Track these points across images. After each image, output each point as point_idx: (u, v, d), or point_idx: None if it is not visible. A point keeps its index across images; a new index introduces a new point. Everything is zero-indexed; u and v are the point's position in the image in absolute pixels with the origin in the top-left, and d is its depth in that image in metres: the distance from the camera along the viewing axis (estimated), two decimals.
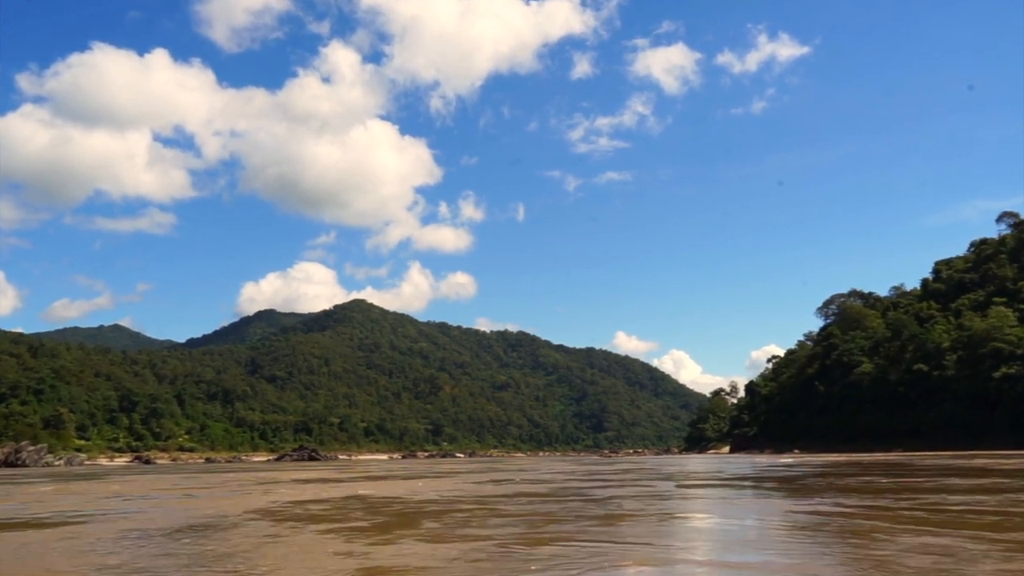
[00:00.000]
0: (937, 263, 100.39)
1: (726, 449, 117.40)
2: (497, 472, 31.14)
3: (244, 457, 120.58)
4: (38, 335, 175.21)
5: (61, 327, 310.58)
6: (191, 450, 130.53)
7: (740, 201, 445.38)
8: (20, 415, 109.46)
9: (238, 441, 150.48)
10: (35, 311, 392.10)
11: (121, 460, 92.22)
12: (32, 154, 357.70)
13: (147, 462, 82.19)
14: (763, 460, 55.16)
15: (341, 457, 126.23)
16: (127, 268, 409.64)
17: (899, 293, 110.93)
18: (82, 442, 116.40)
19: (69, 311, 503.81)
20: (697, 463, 46.92)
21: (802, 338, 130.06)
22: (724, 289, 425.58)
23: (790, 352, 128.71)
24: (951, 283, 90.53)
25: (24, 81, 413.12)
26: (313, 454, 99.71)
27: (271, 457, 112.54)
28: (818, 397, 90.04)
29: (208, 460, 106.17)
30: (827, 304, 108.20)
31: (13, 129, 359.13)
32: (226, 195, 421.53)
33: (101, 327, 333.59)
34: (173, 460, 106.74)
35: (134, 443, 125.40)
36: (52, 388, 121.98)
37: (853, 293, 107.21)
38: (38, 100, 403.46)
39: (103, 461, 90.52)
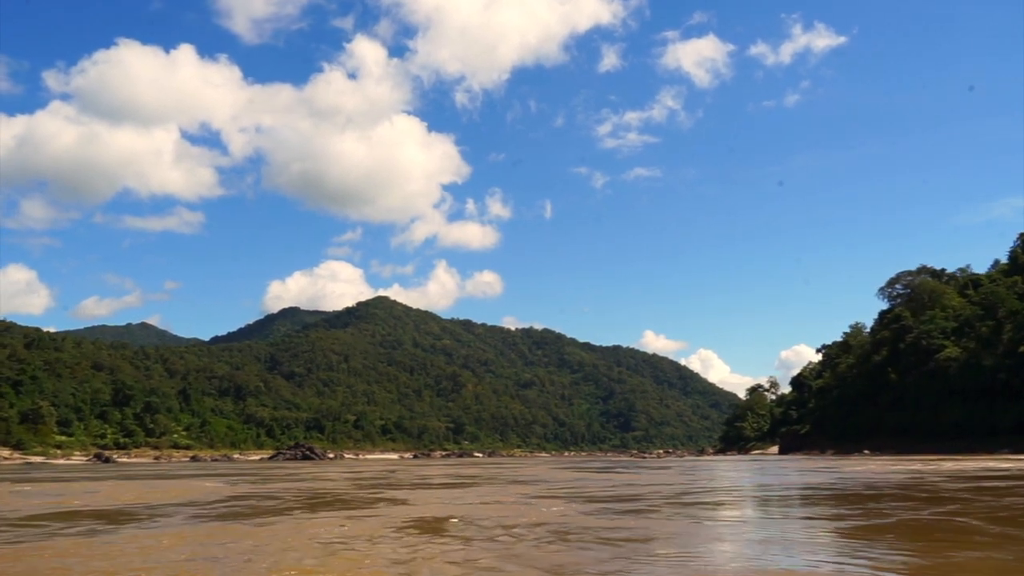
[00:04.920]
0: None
1: (773, 449, 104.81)
2: (479, 487, 19.37)
3: (240, 455, 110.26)
4: (62, 332, 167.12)
5: (90, 325, 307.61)
6: (186, 447, 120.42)
7: (771, 199, 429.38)
8: None
9: (241, 438, 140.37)
10: (65, 309, 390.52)
11: (80, 458, 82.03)
12: (60, 151, 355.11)
13: (106, 460, 71.93)
14: (859, 467, 42.70)
15: (348, 456, 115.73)
16: (155, 266, 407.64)
17: (967, 275, 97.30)
18: (63, 438, 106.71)
19: (98, 309, 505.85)
20: (782, 473, 34.57)
21: (848, 330, 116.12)
22: (753, 289, 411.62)
23: (840, 344, 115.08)
24: None
25: (51, 78, 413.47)
26: (308, 453, 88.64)
27: (270, 455, 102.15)
28: (890, 388, 76.72)
29: (194, 458, 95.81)
30: (891, 283, 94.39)
31: (41, 126, 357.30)
32: (251, 193, 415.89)
33: (129, 325, 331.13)
34: (156, 459, 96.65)
35: (122, 439, 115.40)
36: (33, 380, 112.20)
37: (923, 270, 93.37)
38: (65, 97, 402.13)
39: (62, 460, 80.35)
